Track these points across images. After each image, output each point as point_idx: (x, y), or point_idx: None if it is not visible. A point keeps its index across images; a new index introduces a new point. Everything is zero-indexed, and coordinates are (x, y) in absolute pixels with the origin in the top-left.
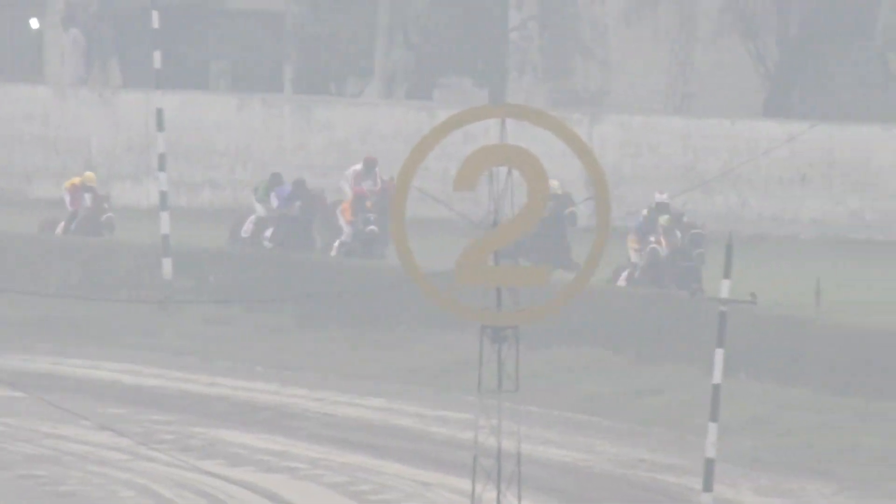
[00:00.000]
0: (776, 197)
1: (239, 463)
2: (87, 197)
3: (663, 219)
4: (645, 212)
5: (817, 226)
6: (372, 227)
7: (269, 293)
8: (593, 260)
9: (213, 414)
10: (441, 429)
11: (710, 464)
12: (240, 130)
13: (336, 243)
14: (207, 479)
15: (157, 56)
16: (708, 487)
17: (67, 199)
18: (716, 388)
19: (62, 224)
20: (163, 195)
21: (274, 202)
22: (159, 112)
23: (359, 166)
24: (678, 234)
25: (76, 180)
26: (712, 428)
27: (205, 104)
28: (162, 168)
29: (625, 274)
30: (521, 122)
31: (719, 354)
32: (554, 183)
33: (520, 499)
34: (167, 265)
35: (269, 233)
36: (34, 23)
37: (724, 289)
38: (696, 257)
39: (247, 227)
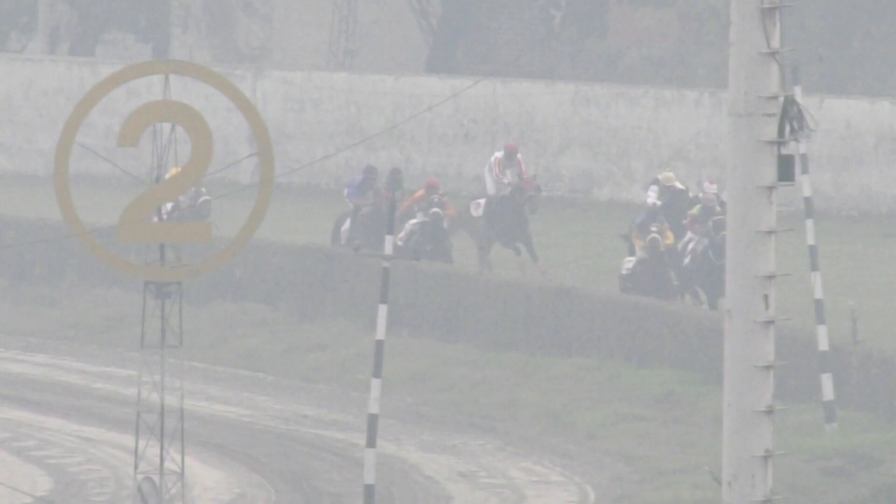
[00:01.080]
0: (440, 153)
1: None
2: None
3: (696, 208)
4: (650, 199)
5: (481, 182)
6: (436, 209)
7: None
8: (257, 215)
9: None
10: (104, 384)
11: (373, 419)
12: None
13: (401, 234)
14: None
15: None
16: (371, 443)
17: None
18: (379, 343)
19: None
20: None
21: (346, 192)
22: None
23: (500, 154)
24: (710, 225)
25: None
26: (375, 384)
27: None
28: None
29: (630, 264)
30: (184, 77)
31: (382, 310)
32: (669, 175)
33: (182, 454)
34: None
35: (345, 227)
36: None
37: (388, 245)
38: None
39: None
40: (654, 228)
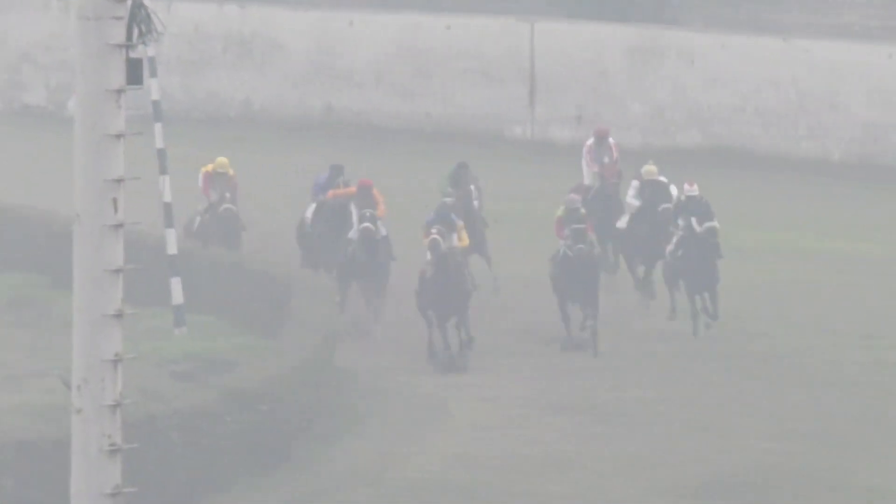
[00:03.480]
0: None
1: None
2: (219, 188)
3: (560, 210)
4: (630, 200)
5: None
6: (367, 224)
7: None
8: None
9: None
10: None
11: None
12: None
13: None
14: None
15: None
16: None
17: (202, 188)
18: None
19: (199, 218)
20: None
21: (311, 191)
22: None
23: (591, 141)
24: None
25: (209, 167)
26: None
27: None
28: None
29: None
30: None
31: None
32: (650, 168)
33: None
34: None
35: (309, 213)
36: None
37: None
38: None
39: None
40: (433, 230)
